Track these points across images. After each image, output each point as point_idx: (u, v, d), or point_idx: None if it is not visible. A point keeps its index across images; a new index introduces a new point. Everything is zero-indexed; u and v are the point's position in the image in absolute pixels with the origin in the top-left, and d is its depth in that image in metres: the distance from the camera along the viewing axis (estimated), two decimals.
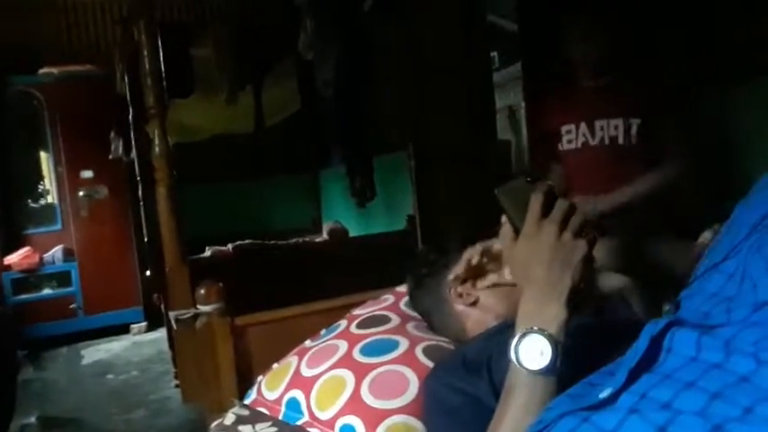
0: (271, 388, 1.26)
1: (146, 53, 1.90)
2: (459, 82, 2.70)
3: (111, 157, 4.52)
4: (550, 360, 0.69)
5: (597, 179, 1.93)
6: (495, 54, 4.82)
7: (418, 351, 1.15)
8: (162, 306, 3.13)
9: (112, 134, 4.43)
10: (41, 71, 4.76)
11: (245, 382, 1.48)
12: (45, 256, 4.81)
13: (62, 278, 4.86)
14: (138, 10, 2.00)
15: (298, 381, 1.21)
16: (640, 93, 1.92)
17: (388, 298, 1.41)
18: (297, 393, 1.18)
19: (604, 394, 0.58)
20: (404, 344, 1.17)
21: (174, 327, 1.82)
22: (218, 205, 5.06)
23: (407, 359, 1.13)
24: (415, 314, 1.29)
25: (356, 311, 1.39)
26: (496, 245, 1.09)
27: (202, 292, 1.61)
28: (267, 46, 3.66)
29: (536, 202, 0.74)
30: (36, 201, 5.10)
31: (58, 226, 4.92)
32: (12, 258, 4.71)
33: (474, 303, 1.12)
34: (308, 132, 4.73)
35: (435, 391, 0.96)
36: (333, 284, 1.82)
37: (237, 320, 1.59)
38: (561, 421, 0.59)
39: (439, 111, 2.68)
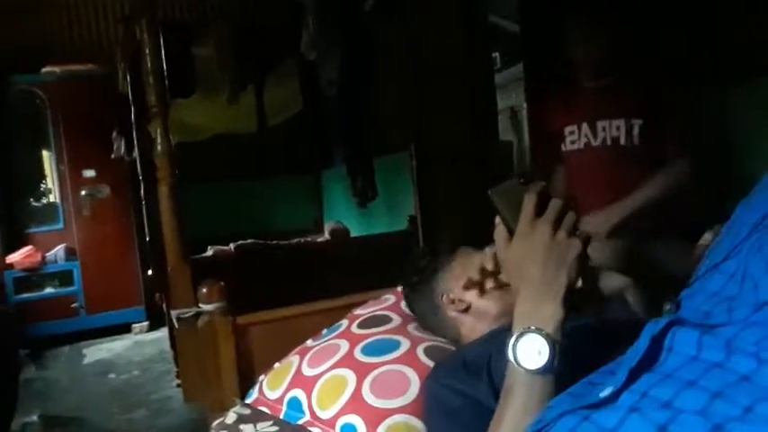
0: (272, 387, 1.26)
1: (147, 52, 1.89)
2: (461, 82, 2.70)
3: (113, 156, 4.53)
4: (548, 359, 0.69)
5: (600, 180, 1.93)
6: (496, 55, 4.81)
7: (419, 351, 1.15)
8: (164, 305, 3.13)
9: (115, 133, 4.44)
10: (44, 70, 4.77)
11: (246, 381, 1.49)
12: (47, 255, 4.81)
13: (64, 277, 4.86)
14: (140, 9, 2.00)
15: (299, 380, 1.21)
16: (642, 93, 1.92)
17: (390, 298, 1.41)
18: (298, 392, 1.19)
19: (605, 393, 0.58)
20: (405, 344, 1.18)
21: (176, 326, 1.82)
22: (220, 205, 5.08)
23: (408, 359, 1.14)
24: None
25: (357, 311, 1.39)
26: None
27: (204, 291, 1.62)
28: (269, 45, 3.65)
29: (529, 202, 0.74)
30: (38, 200, 5.11)
31: (60, 225, 4.93)
32: (14, 257, 4.71)
33: (466, 310, 1.12)
34: (311, 133, 4.74)
35: (436, 393, 0.97)
36: (334, 284, 1.83)
37: (239, 320, 1.60)
38: (562, 420, 0.59)
39: (441, 111, 2.68)
